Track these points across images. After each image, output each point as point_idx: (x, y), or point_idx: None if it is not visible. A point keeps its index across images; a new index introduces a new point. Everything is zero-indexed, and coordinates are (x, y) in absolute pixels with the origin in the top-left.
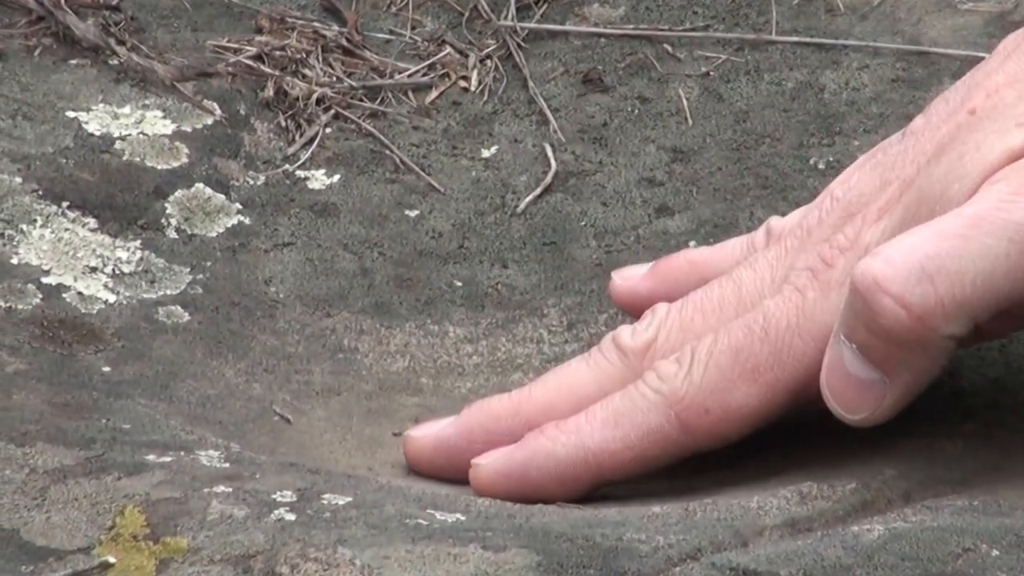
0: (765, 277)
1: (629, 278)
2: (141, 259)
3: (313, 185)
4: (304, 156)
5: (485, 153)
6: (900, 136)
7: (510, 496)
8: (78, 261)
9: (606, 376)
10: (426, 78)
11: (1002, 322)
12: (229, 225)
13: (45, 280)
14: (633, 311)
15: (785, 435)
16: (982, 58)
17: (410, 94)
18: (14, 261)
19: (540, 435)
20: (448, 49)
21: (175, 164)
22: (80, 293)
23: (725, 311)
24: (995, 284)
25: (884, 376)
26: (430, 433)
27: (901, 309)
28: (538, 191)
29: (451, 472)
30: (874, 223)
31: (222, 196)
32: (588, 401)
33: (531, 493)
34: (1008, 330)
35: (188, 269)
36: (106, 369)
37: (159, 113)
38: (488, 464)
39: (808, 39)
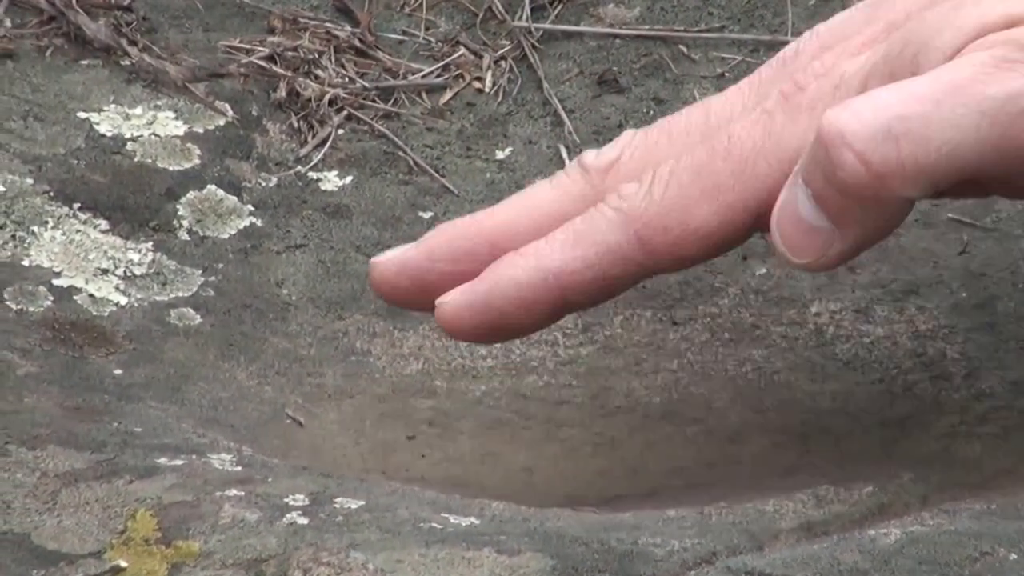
0: (735, 103)
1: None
2: (153, 261)
3: (325, 187)
4: (316, 157)
5: (499, 154)
6: None
7: (477, 331)
8: (89, 263)
9: (567, 195)
10: (440, 79)
11: (964, 189)
12: (241, 227)
13: (56, 282)
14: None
15: (801, 437)
16: None
17: (424, 95)
18: (25, 263)
19: (500, 263)
20: (462, 50)
21: (187, 165)
22: (91, 295)
23: (691, 135)
24: (960, 155)
25: (834, 226)
26: (394, 256)
27: (861, 165)
28: None
29: (416, 294)
30: (853, 56)
31: (234, 198)
32: (548, 219)
33: (497, 323)
34: (969, 195)
35: (200, 271)
36: (117, 372)
37: (171, 114)
38: (451, 299)
39: None
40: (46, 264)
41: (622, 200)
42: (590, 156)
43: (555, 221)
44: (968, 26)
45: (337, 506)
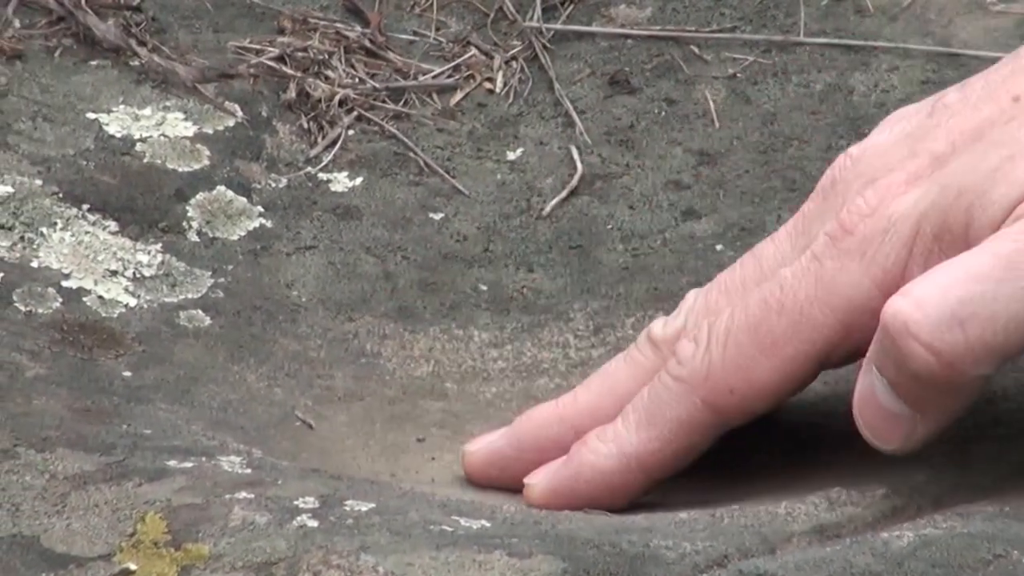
0: (784, 248)
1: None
2: (162, 262)
3: (335, 187)
4: (326, 158)
5: (510, 155)
6: (929, 107)
7: (568, 509)
8: (99, 264)
9: (643, 371)
10: (450, 80)
11: None
12: (251, 228)
13: (65, 284)
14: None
15: (813, 439)
16: None
17: (434, 96)
18: (34, 264)
19: (583, 447)
20: (473, 50)
21: (196, 166)
22: (100, 297)
23: (747, 287)
24: None
25: (914, 412)
26: (483, 447)
27: (931, 355)
28: (564, 194)
29: (507, 482)
30: (900, 194)
31: (244, 199)
32: (630, 399)
33: (585, 504)
34: None
35: (209, 272)
36: (127, 374)
37: (180, 115)
38: (538, 483)
39: (837, 40)
40: (55, 266)
41: (682, 367)
42: (657, 328)
43: None
44: (1023, 179)
45: (347, 508)
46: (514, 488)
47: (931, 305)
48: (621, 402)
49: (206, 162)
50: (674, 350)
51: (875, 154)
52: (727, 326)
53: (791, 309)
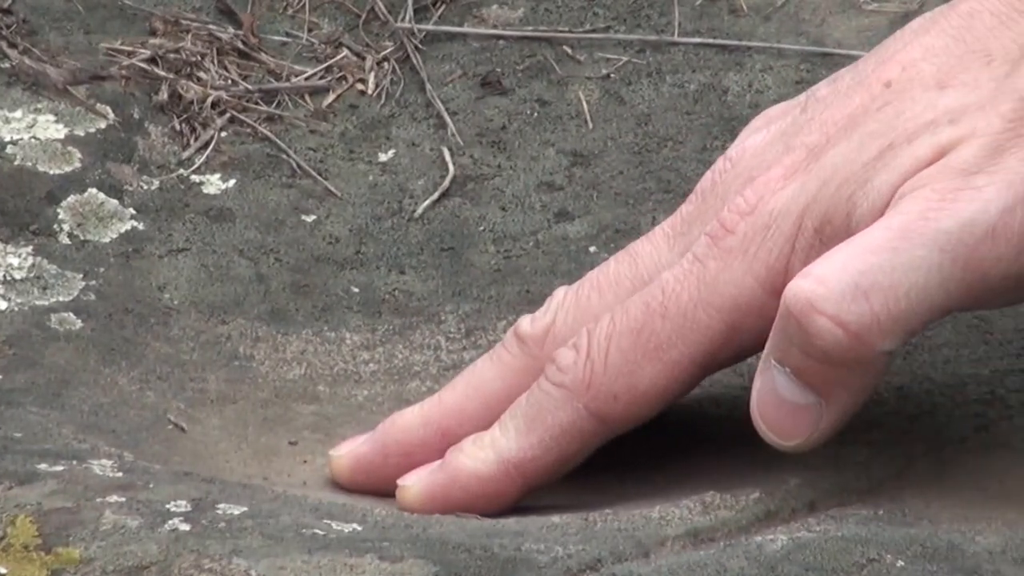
0: (661, 247)
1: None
2: (33, 265)
3: (208, 190)
4: (199, 160)
5: (382, 157)
6: (802, 102)
7: (441, 513)
8: None
9: (510, 370)
10: (323, 81)
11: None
12: (123, 231)
13: None
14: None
15: (688, 443)
16: None
17: (307, 97)
18: None
19: (459, 453)
20: (345, 52)
21: (68, 169)
22: None
23: (621, 286)
24: (928, 296)
25: (820, 399)
26: (348, 452)
27: (838, 328)
28: (436, 196)
29: (374, 488)
30: (778, 189)
31: (115, 201)
32: (496, 399)
33: (460, 510)
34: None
35: (81, 275)
36: None
37: (51, 117)
38: (412, 486)
39: (711, 40)
40: None
41: (563, 373)
42: (525, 324)
43: (503, 398)
44: (904, 165)
45: (219, 512)
46: (383, 493)
47: (832, 280)
48: (488, 402)
49: (77, 164)
50: (553, 357)
51: (752, 154)
52: (608, 332)
53: (675, 313)
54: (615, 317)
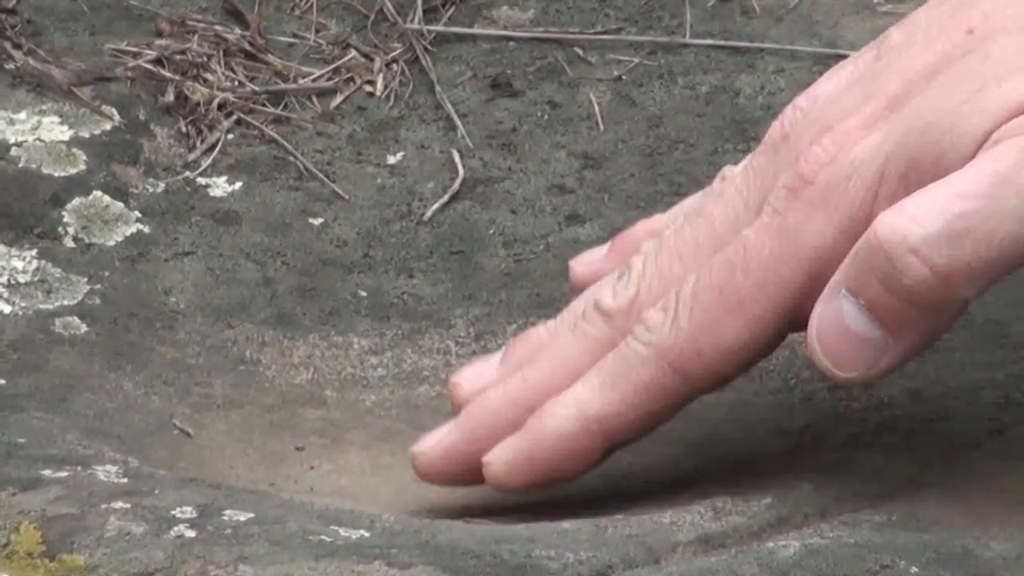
0: (737, 206)
1: (590, 263)
2: (37, 269)
3: (214, 192)
4: (205, 163)
5: (391, 159)
6: (875, 50)
7: (526, 484)
8: None
9: (596, 343)
10: (331, 83)
11: None
12: (128, 234)
13: None
14: None
15: (699, 448)
16: None
17: (314, 99)
18: None
19: (541, 415)
20: (353, 53)
21: (72, 171)
22: None
23: (702, 250)
24: (1019, 246)
25: (888, 335)
26: (435, 445)
27: (929, 269)
28: (445, 198)
29: (468, 478)
30: (860, 138)
31: (121, 204)
32: (583, 374)
33: (546, 475)
34: None
35: (86, 279)
36: (0, 382)
37: (56, 119)
38: (497, 459)
39: (723, 42)
40: None
41: (650, 333)
42: (607, 298)
43: None
44: (996, 108)
45: (225, 518)
46: (475, 483)
47: (928, 220)
48: (574, 378)
49: (82, 167)
50: (642, 318)
51: (827, 102)
52: (693, 290)
53: (756, 267)
54: (700, 276)
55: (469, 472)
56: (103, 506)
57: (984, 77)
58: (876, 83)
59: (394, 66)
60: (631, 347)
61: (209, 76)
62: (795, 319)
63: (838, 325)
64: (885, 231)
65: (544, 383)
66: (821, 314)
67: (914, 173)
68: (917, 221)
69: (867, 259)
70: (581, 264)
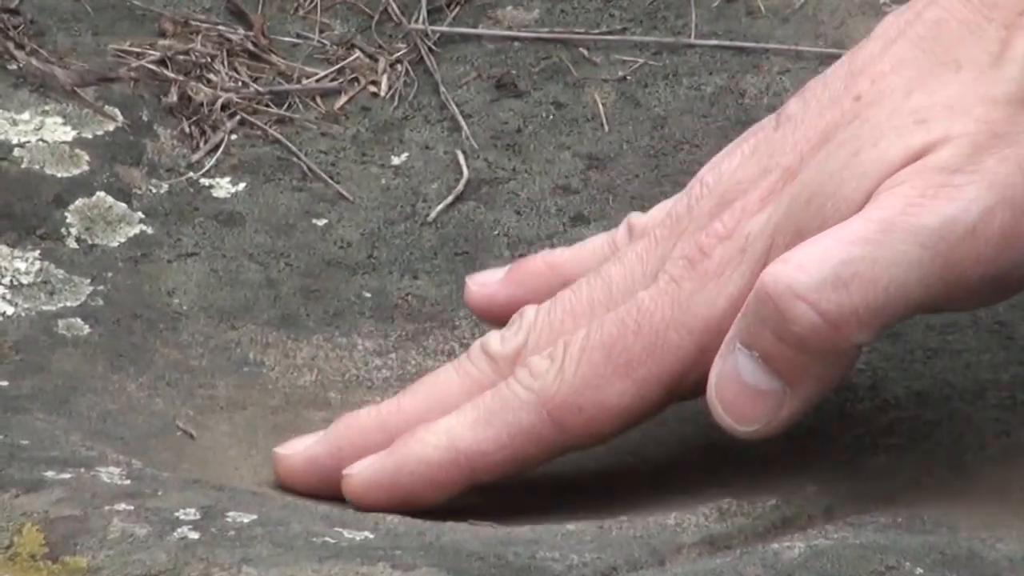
0: (635, 271)
1: (486, 284)
2: (40, 270)
3: (218, 193)
4: (209, 163)
5: (395, 160)
6: (774, 121)
7: (382, 504)
8: None
9: (476, 385)
10: (335, 83)
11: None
12: (131, 235)
13: None
14: (492, 319)
15: (704, 449)
16: None
17: (318, 100)
18: None
19: (410, 439)
20: (357, 53)
21: (75, 172)
22: None
23: (596, 311)
24: (908, 291)
25: (786, 385)
26: (299, 452)
27: (817, 315)
28: (450, 199)
29: (325, 490)
30: (755, 212)
31: (124, 205)
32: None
33: (404, 499)
34: None
35: (89, 280)
36: (3, 383)
37: (59, 119)
38: (358, 474)
39: (728, 42)
40: None
41: (534, 379)
42: (495, 342)
43: None
44: (874, 170)
45: (229, 520)
46: (332, 497)
47: (814, 267)
48: (447, 413)
49: (85, 167)
50: (527, 362)
51: (728, 177)
52: (583, 344)
53: (648, 331)
54: (591, 331)
55: (327, 485)
56: (106, 508)
57: (862, 140)
58: (774, 156)
59: (398, 66)
60: (512, 389)
61: (212, 76)
62: (679, 388)
63: (736, 380)
64: (771, 280)
65: (417, 413)
66: (719, 371)
67: (799, 240)
68: (803, 268)
69: (757, 310)
70: (476, 283)
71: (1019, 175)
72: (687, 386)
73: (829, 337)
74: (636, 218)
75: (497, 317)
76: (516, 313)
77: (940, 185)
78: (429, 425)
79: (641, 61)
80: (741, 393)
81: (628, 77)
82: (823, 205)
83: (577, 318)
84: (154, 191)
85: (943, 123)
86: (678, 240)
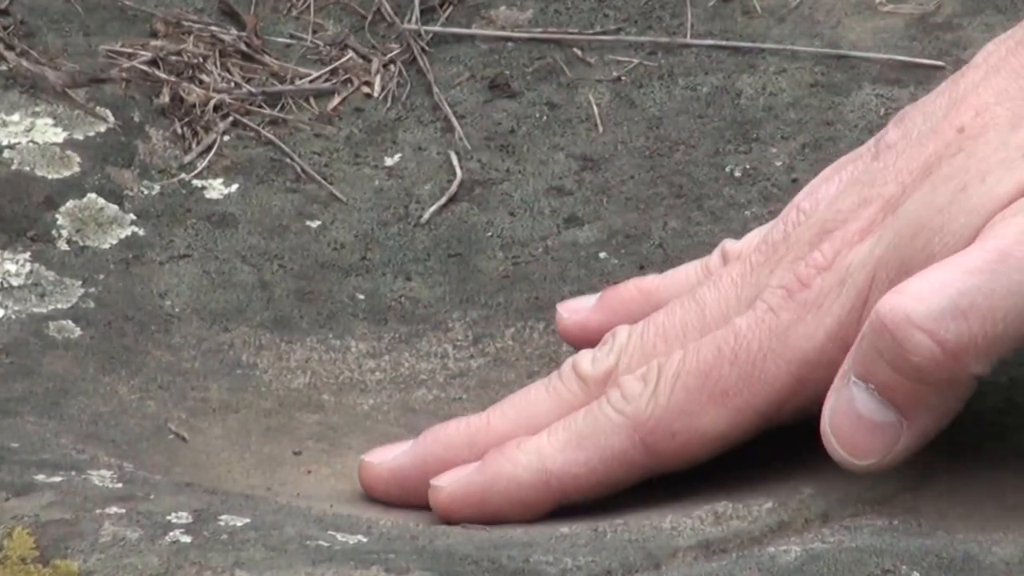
0: (730, 296)
1: (577, 311)
2: (31, 272)
3: (210, 195)
4: (201, 165)
5: (388, 161)
6: (873, 149)
7: (469, 517)
8: None
9: (566, 405)
10: (328, 84)
11: None
12: (123, 236)
13: None
14: (583, 345)
15: None
16: (904, 61)
17: (311, 100)
18: None
19: (501, 456)
20: (350, 54)
21: (66, 173)
22: None
23: (688, 335)
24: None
25: (902, 417)
26: (385, 461)
27: (936, 345)
28: (443, 200)
29: (407, 501)
30: (856, 243)
31: (115, 206)
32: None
33: (491, 515)
34: None
35: (80, 282)
36: None
37: (50, 121)
38: (447, 487)
39: (724, 42)
40: None
41: (626, 403)
42: (586, 363)
43: None
44: (984, 205)
45: (222, 523)
46: (417, 506)
47: (931, 297)
48: (536, 433)
49: (76, 169)
50: (619, 383)
51: (827, 205)
52: (677, 370)
53: (744, 360)
54: (686, 356)
55: (411, 495)
56: (98, 511)
57: (969, 175)
58: (874, 186)
59: (391, 67)
60: (604, 411)
61: (205, 77)
62: (775, 417)
63: (851, 413)
64: (888, 311)
65: (506, 430)
66: (833, 405)
67: (904, 276)
68: (920, 299)
69: (873, 342)
70: (568, 310)
71: None
72: (783, 416)
73: (948, 367)
74: (731, 244)
75: (591, 344)
76: (608, 333)
77: None
78: (521, 443)
79: (636, 61)
80: (857, 426)
81: (623, 77)
82: (930, 240)
83: (670, 341)
84: (146, 192)
85: None
86: (775, 267)
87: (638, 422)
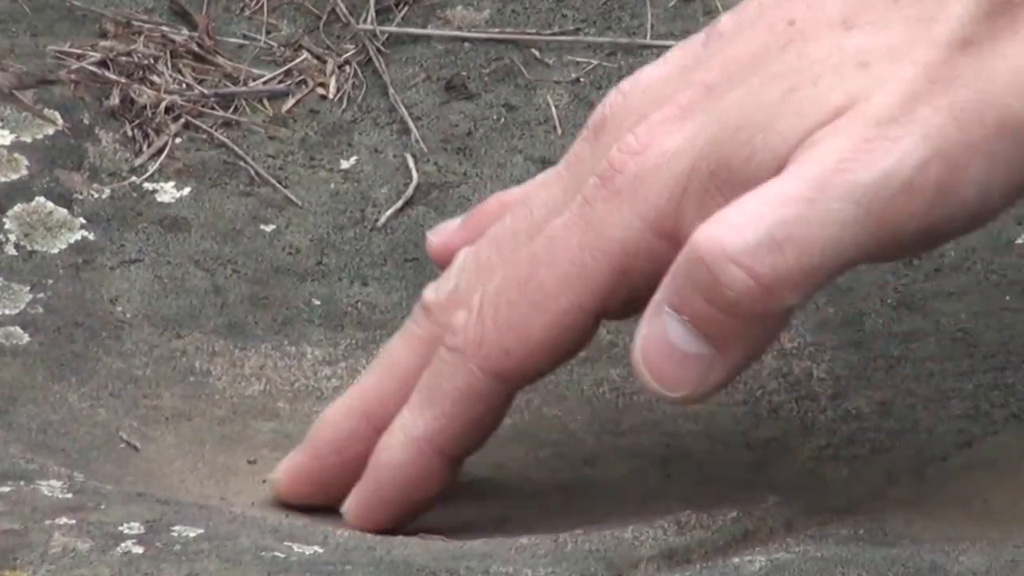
0: (556, 194)
1: (444, 233)
2: None
3: (162, 198)
4: (152, 168)
5: (344, 164)
6: (703, 36)
7: (392, 522)
8: None
9: (420, 341)
10: (282, 85)
11: None
12: (72, 241)
13: None
14: None
15: (662, 461)
16: None
17: (265, 102)
18: None
19: (377, 453)
20: (305, 54)
21: (14, 177)
22: None
23: (519, 240)
24: (843, 251)
25: (715, 350)
26: (283, 468)
27: (751, 280)
28: (399, 204)
29: (322, 497)
30: (674, 128)
31: (64, 210)
32: (411, 373)
33: (400, 507)
34: None
35: (28, 288)
36: None
37: None
38: (350, 510)
39: None
40: None
41: (456, 336)
42: (430, 294)
43: (417, 372)
44: (810, 112)
45: (175, 534)
46: (331, 500)
47: (748, 229)
48: (404, 378)
49: (24, 172)
50: (448, 323)
51: (647, 87)
52: (498, 287)
53: (562, 259)
54: (506, 272)
55: (318, 490)
56: (47, 522)
57: (801, 76)
58: (697, 71)
59: (347, 68)
60: (441, 356)
61: (156, 78)
62: (605, 312)
63: (663, 343)
64: (703, 242)
65: (376, 388)
66: (645, 334)
67: (725, 170)
68: (737, 231)
69: (688, 273)
70: (436, 235)
71: (953, 126)
72: (614, 309)
73: (763, 300)
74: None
75: None
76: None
77: (875, 138)
78: (388, 430)
79: (595, 62)
80: (669, 357)
81: (581, 79)
82: (753, 136)
83: (501, 251)
84: (96, 196)
85: (884, 67)
86: (595, 155)
87: (470, 352)
